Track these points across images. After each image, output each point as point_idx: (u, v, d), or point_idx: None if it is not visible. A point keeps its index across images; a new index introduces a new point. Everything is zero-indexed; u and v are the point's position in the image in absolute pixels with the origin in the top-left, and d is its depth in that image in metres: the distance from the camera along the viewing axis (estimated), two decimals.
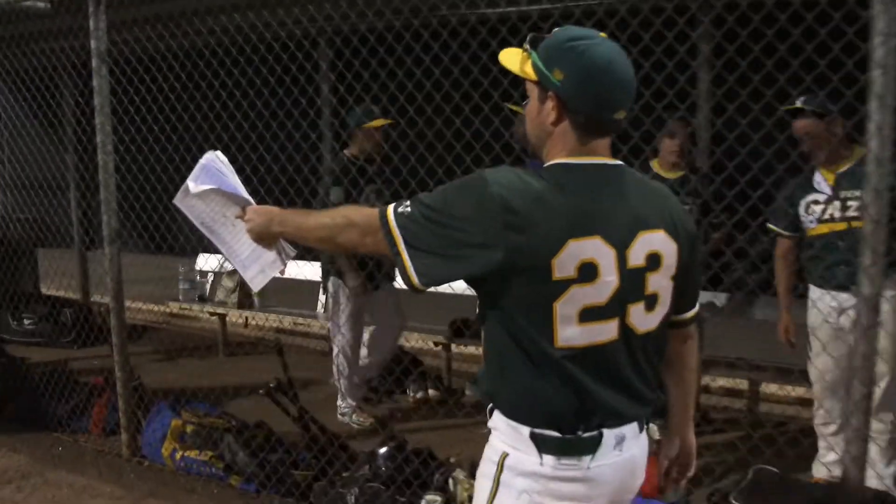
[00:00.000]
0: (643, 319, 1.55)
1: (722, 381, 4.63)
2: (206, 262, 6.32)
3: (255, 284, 2.05)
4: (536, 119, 1.58)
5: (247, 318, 6.21)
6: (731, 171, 3.19)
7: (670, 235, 1.57)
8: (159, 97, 3.97)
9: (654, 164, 4.08)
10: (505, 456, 1.56)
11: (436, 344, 5.13)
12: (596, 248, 1.47)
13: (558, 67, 1.50)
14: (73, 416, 4.31)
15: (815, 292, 3.49)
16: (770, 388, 4.50)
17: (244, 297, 5.82)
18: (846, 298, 3.29)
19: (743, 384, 4.58)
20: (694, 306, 1.75)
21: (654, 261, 1.54)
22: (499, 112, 3.86)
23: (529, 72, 1.56)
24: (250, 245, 1.95)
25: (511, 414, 1.56)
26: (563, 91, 1.50)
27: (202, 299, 6.18)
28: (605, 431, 1.53)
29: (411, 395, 5.06)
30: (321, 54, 5.96)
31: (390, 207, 1.57)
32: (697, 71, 4.65)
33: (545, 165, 1.57)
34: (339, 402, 4.58)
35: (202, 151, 2.09)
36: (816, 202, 3.41)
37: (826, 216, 3.38)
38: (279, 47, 4.02)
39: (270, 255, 1.96)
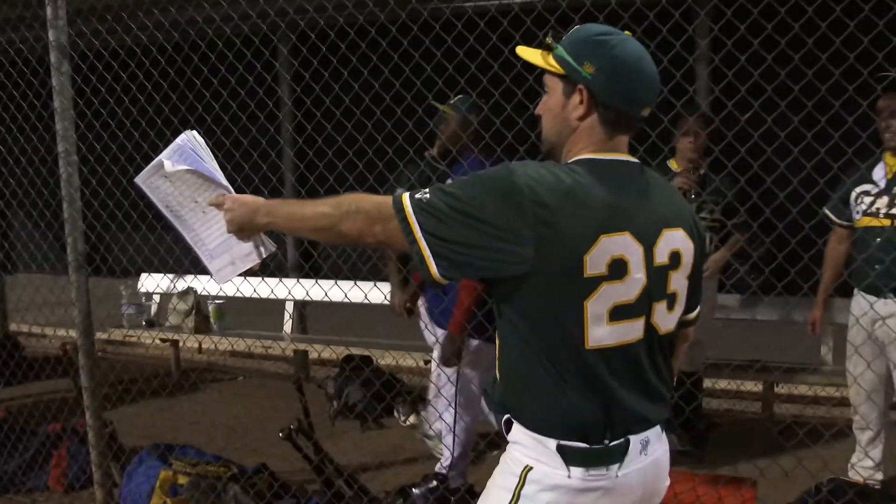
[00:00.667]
0: (665, 319, 1.55)
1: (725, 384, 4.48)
2: (151, 282, 5.70)
3: (221, 277, 1.89)
4: (560, 114, 1.55)
5: (200, 344, 5.63)
6: (756, 169, 3.07)
7: (688, 235, 1.58)
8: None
9: (672, 164, 3.88)
10: (528, 469, 1.51)
11: (426, 362, 4.76)
12: (626, 245, 1.46)
13: (589, 61, 1.50)
14: (27, 471, 3.68)
15: (855, 294, 3.38)
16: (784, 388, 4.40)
17: (201, 320, 5.25)
18: (874, 301, 3.18)
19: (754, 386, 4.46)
20: (696, 307, 1.73)
21: (675, 259, 1.55)
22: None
23: (555, 65, 1.54)
24: (221, 235, 1.82)
25: (535, 427, 1.52)
26: (594, 84, 1.50)
27: (150, 324, 5.55)
28: (632, 438, 1.51)
29: (402, 419, 4.68)
30: (279, 51, 5.47)
31: (405, 194, 1.49)
32: (695, 66, 4.51)
33: (571, 161, 1.54)
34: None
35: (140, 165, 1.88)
36: (868, 193, 3.28)
37: (872, 209, 3.26)
38: (240, 43, 3.62)
39: (245, 247, 1.82)
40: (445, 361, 3.22)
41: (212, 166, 1.84)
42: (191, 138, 1.87)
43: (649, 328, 1.52)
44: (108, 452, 3.37)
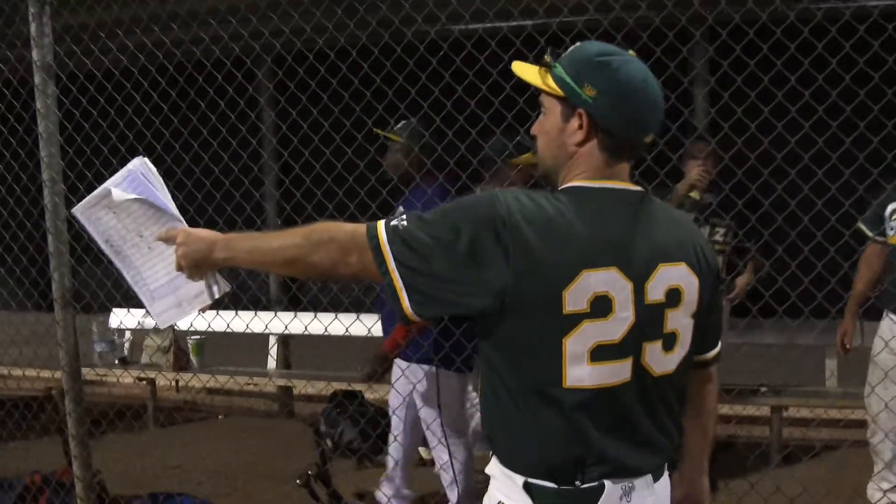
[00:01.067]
0: (660, 360, 1.44)
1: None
2: (123, 318, 5.39)
3: (164, 320, 1.75)
4: (558, 138, 1.46)
5: (177, 381, 5.33)
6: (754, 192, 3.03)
7: (692, 270, 1.46)
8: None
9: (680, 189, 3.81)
10: None
11: None
12: (611, 281, 1.36)
13: (590, 83, 1.40)
14: None
15: (884, 316, 3.32)
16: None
17: (180, 356, 4.97)
18: None
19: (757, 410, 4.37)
20: (716, 345, 1.64)
21: (674, 296, 1.44)
22: (464, 136, 3.56)
23: (553, 86, 1.44)
24: (168, 273, 1.69)
25: (505, 461, 1.46)
26: (594, 108, 1.41)
27: (123, 362, 5.24)
28: (608, 483, 1.40)
29: None
30: (257, 75, 5.28)
31: (381, 221, 1.42)
32: (690, 88, 4.49)
33: (561, 188, 1.45)
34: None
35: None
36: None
37: None
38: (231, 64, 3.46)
39: (194, 287, 1.67)
40: (367, 377, 3.18)
41: (164, 196, 1.70)
42: (142, 165, 1.72)
43: (639, 370, 1.41)
44: None
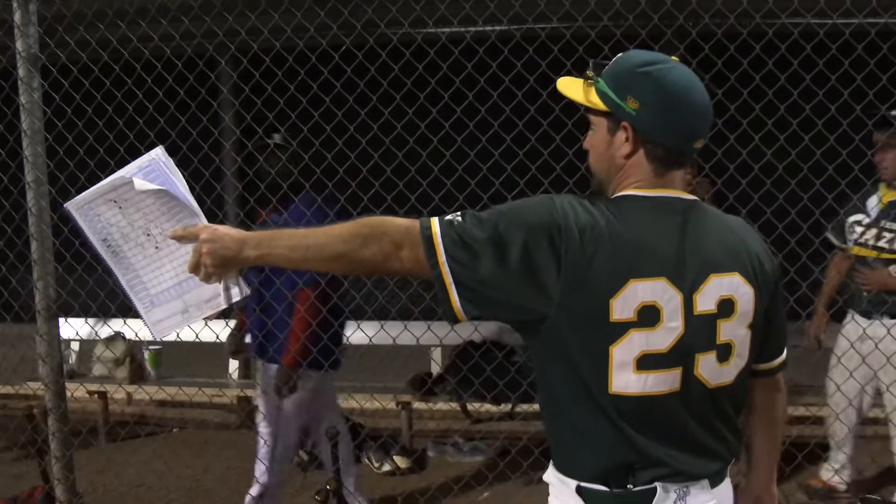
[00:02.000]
0: (716, 372, 1.43)
1: None
2: (69, 329, 5.03)
3: (161, 329, 1.61)
4: (606, 152, 1.46)
5: (129, 395, 5.03)
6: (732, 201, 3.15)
7: (746, 279, 1.45)
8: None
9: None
10: None
11: (398, 403, 4.49)
12: (660, 291, 1.37)
13: (632, 96, 1.40)
14: None
15: (848, 314, 3.54)
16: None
17: (135, 369, 4.70)
18: (867, 324, 3.33)
19: None
20: (781, 354, 1.63)
21: (726, 307, 1.43)
22: (424, 144, 3.56)
23: (597, 101, 1.45)
24: (176, 276, 1.57)
25: (561, 467, 1.48)
26: (639, 121, 1.41)
27: (70, 375, 4.90)
28: (660, 485, 1.41)
29: (375, 465, 4.37)
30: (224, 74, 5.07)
31: (435, 217, 1.41)
32: None
33: (613, 197, 1.46)
34: None
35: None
36: (860, 223, 3.48)
37: (862, 239, 3.45)
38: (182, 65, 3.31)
39: (208, 290, 1.56)
40: (278, 392, 3.18)
41: (184, 188, 1.58)
42: (161, 154, 1.60)
43: (691, 381, 1.41)
44: None
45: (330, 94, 3.44)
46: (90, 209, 1.59)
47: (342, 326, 3.39)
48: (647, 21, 3.68)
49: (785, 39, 3.09)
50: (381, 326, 3.46)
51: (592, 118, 1.49)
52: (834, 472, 3.65)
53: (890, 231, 3.34)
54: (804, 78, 3.08)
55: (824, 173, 3.36)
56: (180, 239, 1.55)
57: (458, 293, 1.36)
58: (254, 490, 3.34)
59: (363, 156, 3.79)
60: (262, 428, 3.30)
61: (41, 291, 2.76)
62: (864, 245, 3.43)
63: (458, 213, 1.41)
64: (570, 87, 1.50)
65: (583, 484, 1.44)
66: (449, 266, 1.36)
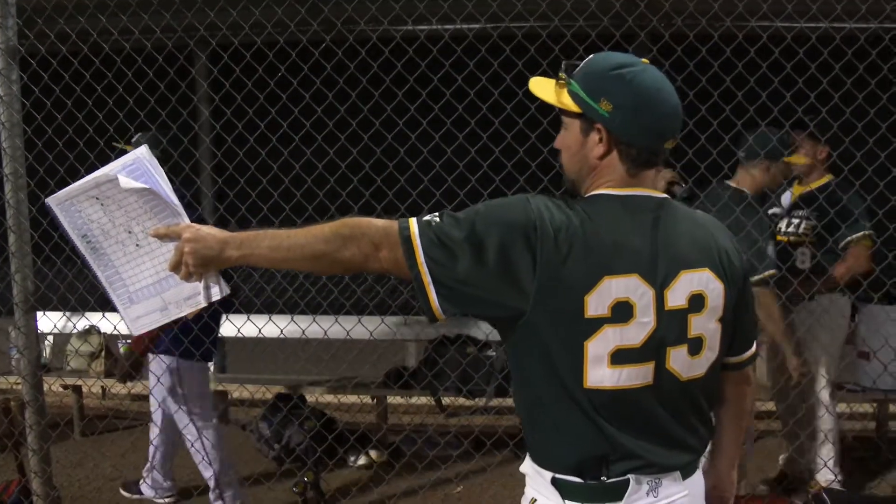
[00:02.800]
0: (687, 365, 1.47)
1: None
2: (43, 322, 5.00)
3: (139, 326, 1.63)
4: (579, 153, 1.50)
5: (103, 389, 5.02)
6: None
7: (716, 275, 1.49)
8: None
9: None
10: (533, 501, 1.52)
11: (373, 398, 4.53)
12: (633, 287, 1.40)
13: (606, 98, 1.43)
14: None
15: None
16: None
17: (111, 363, 4.69)
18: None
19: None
20: (749, 347, 1.66)
21: (697, 302, 1.46)
22: (403, 141, 3.61)
23: (569, 103, 1.48)
24: (156, 273, 1.60)
25: (536, 459, 1.51)
26: (612, 123, 1.44)
27: (44, 369, 4.87)
28: (632, 477, 1.44)
29: (352, 460, 4.41)
30: (197, 63, 5.06)
31: (413, 218, 1.43)
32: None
33: (586, 196, 1.49)
34: None
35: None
36: (776, 214, 3.81)
37: (776, 228, 3.76)
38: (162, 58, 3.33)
39: (186, 288, 1.58)
40: (123, 378, 3.54)
41: (167, 188, 1.60)
42: (147, 152, 1.62)
43: (663, 374, 1.45)
44: None
45: (310, 90, 3.49)
46: (71, 205, 1.60)
47: (215, 319, 3.57)
48: (622, 22, 3.76)
49: (755, 42, 3.17)
50: (359, 320, 3.49)
51: (565, 119, 1.52)
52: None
53: (797, 218, 3.68)
54: (773, 80, 3.19)
55: None
56: (163, 237, 1.57)
57: (437, 292, 1.39)
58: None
59: (342, 152, 3.84)
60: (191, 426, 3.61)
61: (19, 284, 2.77)
62: (779, 232, 3.73)
63: (436, 213, 1.44)
64: (542, 87, 1.52)
65: (558, 475, 1.47)
66: (427, 266, 1.39)
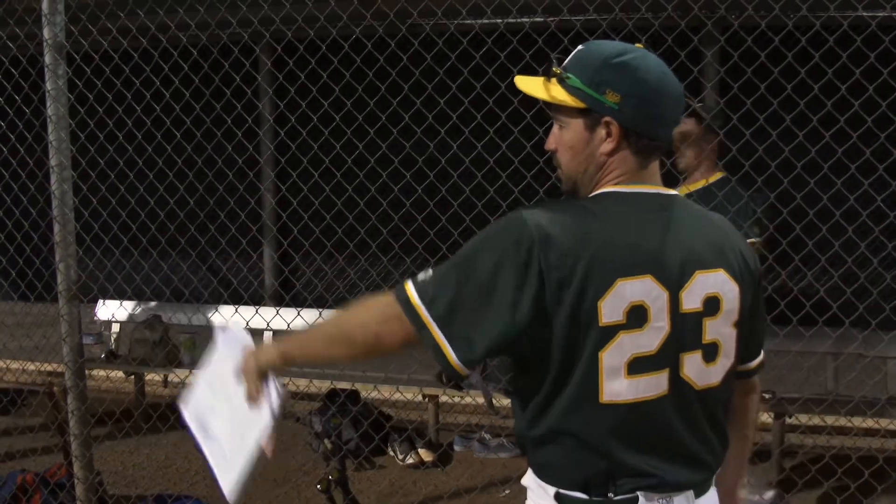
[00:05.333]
0: (702, 372, 1.37)
1: None
2: (108, 310, 5.19)
3: (239, 490, 1.49)
4: (584, 152, 1.39)
5: (166, 377, 5.15)
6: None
7: (731, 276, 1.40)
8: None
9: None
10: None
11: (424, 396, 4.47)
12: (647, 290, 1.31)
13: (611, 88, 1.34)
14: None
15: None
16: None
17: (171, 351, 4.80)
18: None
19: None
20: (759, 355, 1.58)
21: (712, 305, 1.38)
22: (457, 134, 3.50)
23: (568, 99, 1.36)
24: (240, 419, 1.48)
25: (539, 472, 1.42)
26: (621, 115, 1.34)
27: (112, 355, 5.04)
28: (643, 494, 1.35)
29: (400, 457, 4.36)
30: (260, 62, 5.12)
31: (409, 280, 1.35)
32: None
33: (593, 195, 1.40)
34: None
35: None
36: None
37: None
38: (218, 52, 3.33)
39: (256, 414, 1.46)
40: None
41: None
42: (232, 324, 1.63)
43: (679, 383, 1.35)
44: None
45: (363, 82, 3.45)
46: (197, 401, 1.59)
47: None
48: (686, 12, 3.57)
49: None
50: None
51: (562, 117, 1.40)
52: None
53: None
54: (826, 71, 2.92)
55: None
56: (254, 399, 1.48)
57: (453, 347, 1.31)
58: None
59: (395, 146, 3.79)
60: None
61: (63, 273, 2.82)
62: None
63: (429, 268, 1.36)
64: (531, 85, 1.42)
65: (562, 491, 1.38)
66: (436, 324, 1.31)
